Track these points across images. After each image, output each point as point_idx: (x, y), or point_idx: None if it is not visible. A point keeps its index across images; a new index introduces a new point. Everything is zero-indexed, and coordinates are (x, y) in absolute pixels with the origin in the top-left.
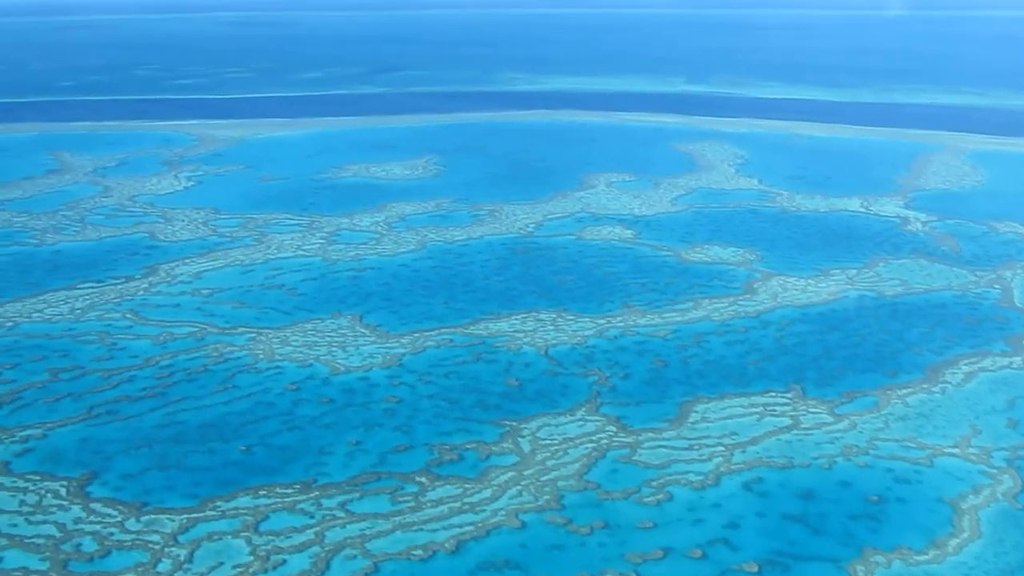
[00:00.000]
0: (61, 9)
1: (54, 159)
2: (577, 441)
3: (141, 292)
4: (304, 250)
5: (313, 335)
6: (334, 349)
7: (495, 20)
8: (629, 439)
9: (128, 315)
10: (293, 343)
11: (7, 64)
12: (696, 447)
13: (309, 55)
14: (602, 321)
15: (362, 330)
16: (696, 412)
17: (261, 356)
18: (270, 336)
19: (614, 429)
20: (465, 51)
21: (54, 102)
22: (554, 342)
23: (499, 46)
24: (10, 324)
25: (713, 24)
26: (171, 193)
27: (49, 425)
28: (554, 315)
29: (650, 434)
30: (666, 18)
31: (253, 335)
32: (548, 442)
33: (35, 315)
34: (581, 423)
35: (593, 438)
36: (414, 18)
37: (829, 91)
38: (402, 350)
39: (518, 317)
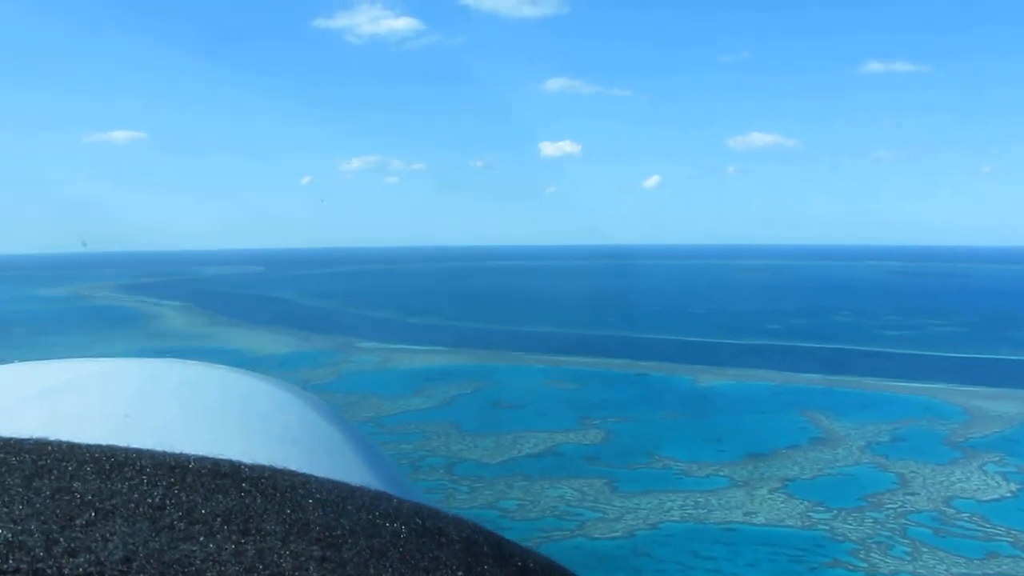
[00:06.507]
0: (728, 253)
1: (809, 421)
2: None
3: None
4: None
5: None
6: None
7: None
8: None
9: None
10: None
11: (713, 303)
12: None
13: (1015, 310)
14: None
15: None
16: None
17: None
18: None
19: None
20: None
21: (772, 347)
22: None
23: None
24: None
25: None
26: (997, 501)
27: None
28: None
29: None
30: None
31: None
32: None
33: None
34: None
35: None
36: None
37: None
38: None
39: None
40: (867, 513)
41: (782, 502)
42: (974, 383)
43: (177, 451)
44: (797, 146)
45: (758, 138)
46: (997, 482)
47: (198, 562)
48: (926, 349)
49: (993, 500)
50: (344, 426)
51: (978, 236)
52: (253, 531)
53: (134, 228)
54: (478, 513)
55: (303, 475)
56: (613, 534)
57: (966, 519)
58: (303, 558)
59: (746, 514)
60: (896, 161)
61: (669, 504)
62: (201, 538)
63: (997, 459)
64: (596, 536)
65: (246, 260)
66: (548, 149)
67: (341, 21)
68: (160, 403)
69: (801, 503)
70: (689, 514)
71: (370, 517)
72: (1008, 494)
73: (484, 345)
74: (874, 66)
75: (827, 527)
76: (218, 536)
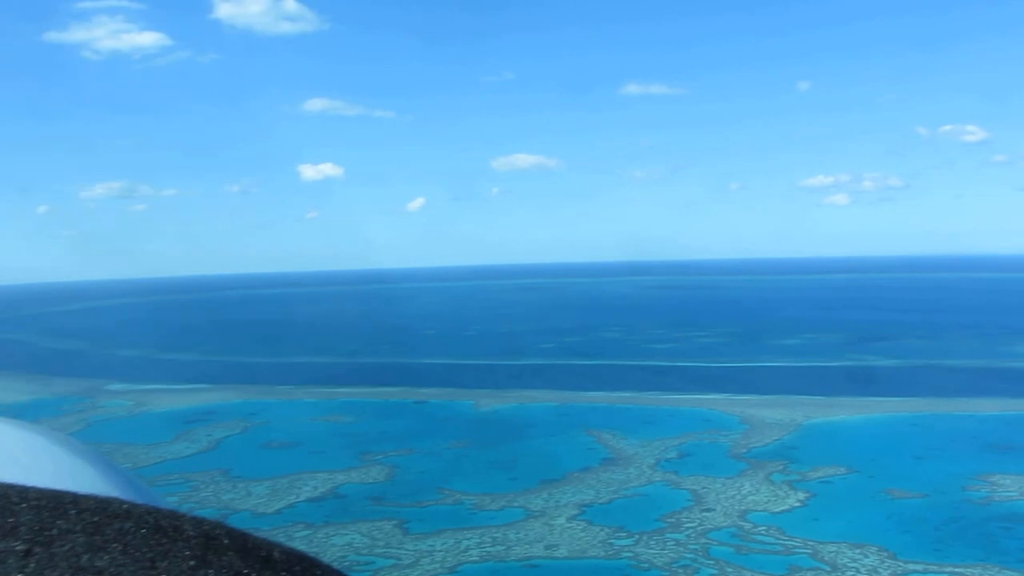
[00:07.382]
0: (494, 273)
1: (597, 441)
2: None
3: None
4: None
5: None
6: None
7: (979, 287)
8: None
9: None
10: None
11: (485, 324)
12: None
13: (767, 320)
14: None
15: None
16: None
17: None
18: None
19: None
20: (959, 319)
21: (549, 366)
22: None
23: (997, 313)
24: None
25: None
26: (789, 512)
27: None
28: None
29: None
30: None
31: None
32: None
33: None
34: None
35: None
36: (865, 282)
37: None
38: None
39: None
40: (668, 535)
41: (582, 530)
42: (745, 391)
43: None
44: (559, 166)
45: (522, 159)
46: (785, 492)
47: None
48: (695, 361)
49: (785, 511)
50: (89, 453)
51: (726, 250)
52: None
53: None
54: None
55: (20, 486)
56: None
57: (763, 532)
58: (4, 554)
59: (547, 547)
60: (651, 180)
61: (466, 543)
62: None
63: (780, 467)
64: None
65: None
66: (309, 172)
67: (76, 35)
68: None
69: (601, 530)
70: (488, 552)
71: (95, 519)
72: (797, 503)
73: (250, 380)
74: (632, 88)
75: (631, 554)
76: None
